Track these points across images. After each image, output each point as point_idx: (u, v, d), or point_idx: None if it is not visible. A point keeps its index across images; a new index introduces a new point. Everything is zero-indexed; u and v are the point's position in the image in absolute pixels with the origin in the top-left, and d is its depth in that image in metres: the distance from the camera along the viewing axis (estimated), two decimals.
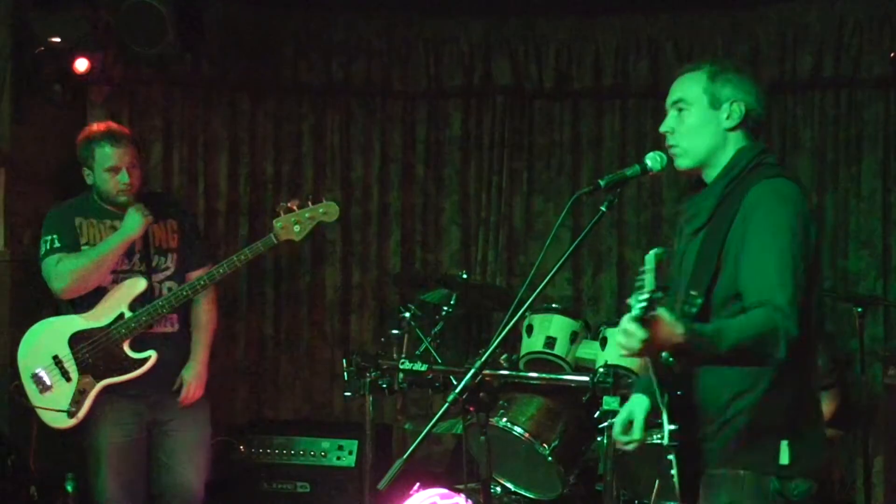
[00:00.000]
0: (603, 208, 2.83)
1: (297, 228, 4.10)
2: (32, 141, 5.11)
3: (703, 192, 2.88)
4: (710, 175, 2.86)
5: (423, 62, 5.74)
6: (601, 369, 3.70)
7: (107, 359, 4.03)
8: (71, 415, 4.00)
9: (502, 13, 5.69)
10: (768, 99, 2.95)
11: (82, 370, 4.02)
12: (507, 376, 4.15)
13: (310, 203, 4.13)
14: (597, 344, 4.30)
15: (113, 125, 4.27)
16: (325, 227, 5.74)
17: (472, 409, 2.79)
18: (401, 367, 4.07)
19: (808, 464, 2.75)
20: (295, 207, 4.12)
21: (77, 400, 4.01)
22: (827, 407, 4.50)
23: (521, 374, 4.23)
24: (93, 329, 4.04)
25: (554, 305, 4.50)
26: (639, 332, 2.39)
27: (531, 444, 4.11)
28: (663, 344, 2.47)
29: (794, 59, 5.43)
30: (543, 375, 4.17)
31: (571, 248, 2.87)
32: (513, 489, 4.34)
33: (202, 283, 4.08)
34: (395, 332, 4.41)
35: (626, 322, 2.41)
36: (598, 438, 3.86)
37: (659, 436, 2.81)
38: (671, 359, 2.63)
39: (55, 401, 4.02)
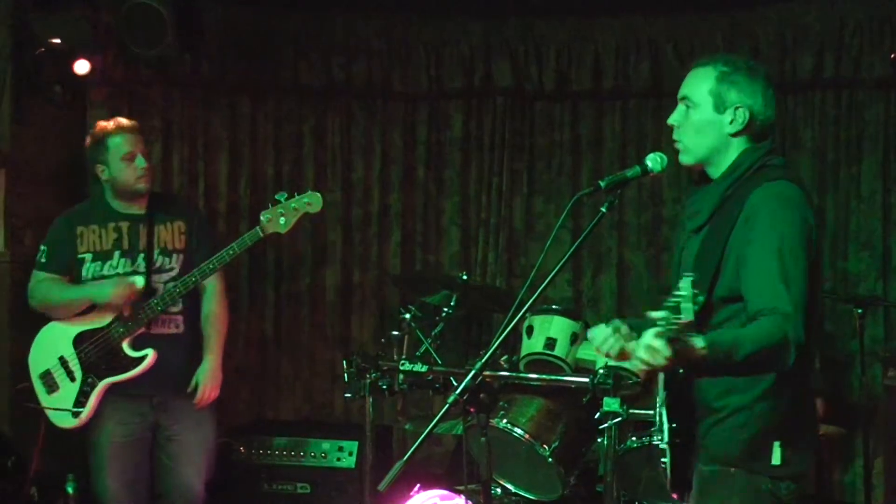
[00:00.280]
0: (603, 209, 2.83)
1: (282, 221, 4.09)
2: (32, 141, 5.11)
3: (705, 190, 2.89)
4: (714, 172, 2.88)
5: (423, 63, 5.75)
6: (601, 370, 3.68)
7: (108, 358, 4.06)
8: (75, 415, 4.05)
9: (502, 14, 5.69)
10: (777, 100, 2.94)
11: (86, 370, 4.06)
12: (508, 377, 4.16)
13: (296, 195, 4.14)
14: None
15: (120, 118, 4.34)
16: (326, 227, 5.81)
17: (472, 410, 2.79)
18: (401, 368, 4.07)
19: (799, 466, 2.78)
20: (281, 200, 4.13)
21: (81, 400, 4.05)
22: (820, 406, 4.53)
23: (522, 375, 4.23)
24: (94, 329, 4.08)
25: (554, 306, 4.50)
26: (664, 350, 2.39)
27: (531, 445, 4.10)
28: (685, 361, 2.48)
29: (794, 59, 5.43)
30: (544, 377, 4.17)
31: (572, 250, 2.87)
32: (513, 490, 4.34)
33: (193, 279, 4.07)
34: (395, 333, 4.42)
35: (653, 339, 2.40)
36: (599, 440, 3.85)
37: (659, 437, 2.82)
38: (681, 370, 2.64)
39: (61, 401, 4.07)
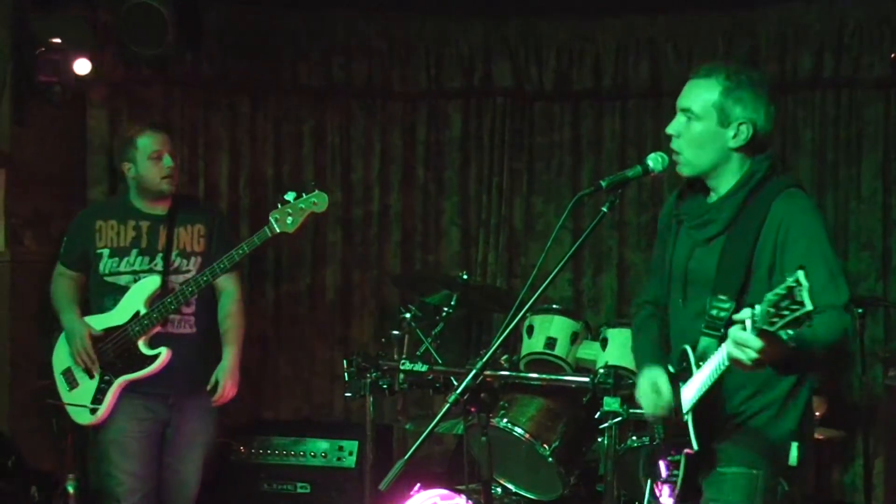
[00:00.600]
0: (604, 209, 2.82)
1: (290, 220, 4.11)
2: (32, 141, 5.11)
3: (716, 203, 2.87)
4: (714, 183, 2.87)
5: (423, 63, 5.75)
6: (602, 370, 3.70)
7: (124, 356, 4.09)
8: (93, 411, 4.09)
9: (502, 14, 5.69)
10: (777, 100, 2.94)
11: (103, 367, 4.09)
12: (508, 377, 4.15)
13: (303, 194, 4.15)
14: (597, 345, 4.30)
15: (153, 120, 4.45)
16: (326, 227, 5.81)
17: (472, 409, 2.79)
18: (401, 367, 4.07)
19: (806, 468, 2.81)
20: (290, 200, 4.14)
21: (98, 397, 4.09)
22: (819, 406, 4.53)
23: (522, 374, 4.23)
24: (112, 327, 4.12)
25: (554, 306, 4.50)
26: (754, 343, 2.34)
27: (532, 444, 4.10)
28: (773, 356, 2.39)
29: (794, 59, 5.43)
30: (544, 376, 4.17)
31: (573, 249, 2.86)
32: (513, 490, 4.34)
33: (205, 278, 4.09)
34: (395, 332, 4.42)
35: (744, 334, 2.34)
36: (599, 439, 3.86)
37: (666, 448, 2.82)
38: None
39: (80, 397, 4.12)
